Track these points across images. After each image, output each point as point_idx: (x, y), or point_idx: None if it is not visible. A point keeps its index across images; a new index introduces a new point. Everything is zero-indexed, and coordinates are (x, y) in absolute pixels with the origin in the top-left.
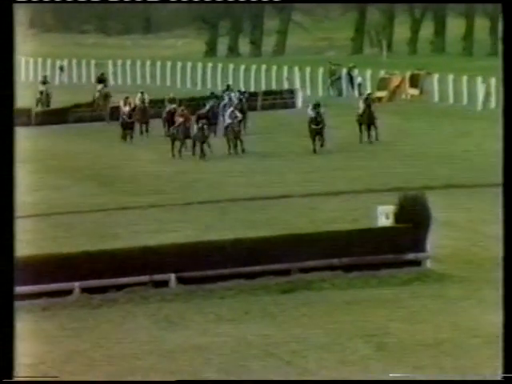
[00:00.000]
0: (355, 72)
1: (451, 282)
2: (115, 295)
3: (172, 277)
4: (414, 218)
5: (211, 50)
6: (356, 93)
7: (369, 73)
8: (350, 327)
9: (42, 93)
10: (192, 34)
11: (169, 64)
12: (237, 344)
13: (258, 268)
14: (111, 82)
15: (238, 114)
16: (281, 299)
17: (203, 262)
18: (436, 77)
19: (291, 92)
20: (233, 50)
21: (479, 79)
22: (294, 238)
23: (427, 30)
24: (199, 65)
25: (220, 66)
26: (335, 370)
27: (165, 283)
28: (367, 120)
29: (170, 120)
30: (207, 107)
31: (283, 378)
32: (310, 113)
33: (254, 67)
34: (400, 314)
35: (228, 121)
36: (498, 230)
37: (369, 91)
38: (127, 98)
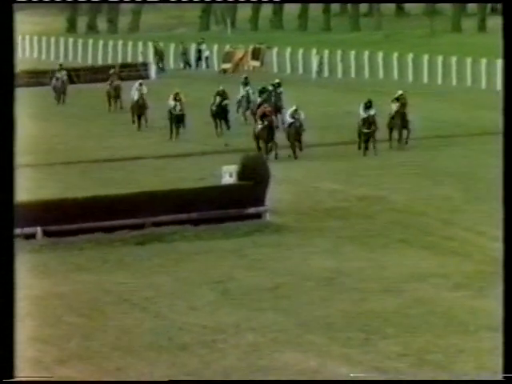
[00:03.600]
0: (203, 46)
1: (288, 232)
2: None
3: (38, 230)
4: (254, 176)
5: (72, 27)
6: (204, 65)
7: (215, 47)
8: (198, 275)
9: None
10: (58, 13)
11: (35, 38)
12: (95, 291)
13: (114, 222)
14: None
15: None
16: (135, 250)
17: (66, 216)
18: (275, 50)
19: (145, 65)
20: (92, 28)
21: (314, 51)
22: (147, 195)
23: (267, 9)
24: (61, 40)
25: (81, 41)
26: (185, 315)
27: (33, 236)
28: (401, 123)
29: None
30: (259, 101)
31: (138, 322)
32: (362, 113)
33: (111, 42)
34: (242, 262)
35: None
36: (329, 184)
37: (401, 92)
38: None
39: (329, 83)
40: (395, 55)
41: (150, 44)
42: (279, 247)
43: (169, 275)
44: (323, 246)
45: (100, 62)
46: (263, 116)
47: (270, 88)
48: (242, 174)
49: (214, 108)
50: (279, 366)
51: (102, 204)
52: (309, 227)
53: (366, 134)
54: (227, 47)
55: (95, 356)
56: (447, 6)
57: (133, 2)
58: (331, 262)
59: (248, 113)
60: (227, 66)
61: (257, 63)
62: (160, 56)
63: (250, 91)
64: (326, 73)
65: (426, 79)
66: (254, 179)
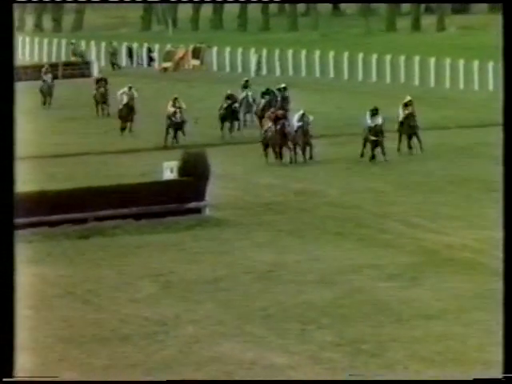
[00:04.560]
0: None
1: (227, 226)
2: None
3: None
4: (195, 172)
5: (21, 26)
6: (145, 64)
7: (157, 46)
8: (140, 268)
9: None
10: None
11: None
12: (41, 283)
13: (58, 217)
14: None
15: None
16: (79, 244)
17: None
18: (215, 49)
19: (87, 63)
20: (37, 26)
21: (252, 50)
22: (90, 191)
23: (207, 9)
24: None
25: (27, 39)
26: (127, 307)
27: None
28: (408, 130)
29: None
30: (263, 103)
31: (81, 314)
32: (369, 122)
33: (55, 41)
34: (183, 256)
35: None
36: (267, 178)
37: (409, 98)
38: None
39: (267, 81)
40: (331, 54)
41: (93, 43)
42: (219, 241)
43: (111, 268)
44: (262, 240)
45: (45, 59)
46: (276, 119)
47: (276, 91)
48: (182, 170)
49: (222, 111)
50: (219, 357)
51: (45, 199)
52: (248, 221)
53: (374, 141)
54: (168, 46)
55: (39, 347)
56: (383, 6)
57: (133, 2)
58: (269, 255)
59: (248, 116)
60: (168, 64)
61: (197, 62)
62: (114, 54)
63: (250, 93)
64: (264, 71)
65: (360, 77)
66: (195, 175)
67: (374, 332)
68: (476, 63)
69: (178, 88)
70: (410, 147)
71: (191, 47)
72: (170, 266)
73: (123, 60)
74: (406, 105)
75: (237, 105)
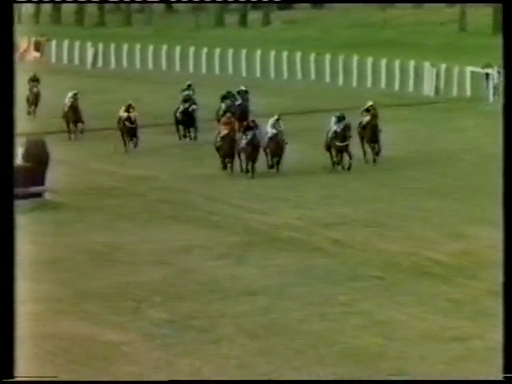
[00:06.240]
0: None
1: (65, 209)
2: None
3: None
4: (35, 158)
5: None
6: None
7: None
8: None
9: None
10: None
11: None
12: None
13: None
14: None
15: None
16: None
17: None
18: (54, 42)
19: None
20: None
21: (89, 44)
22: None
23: (46, 5)
24: None
25: None
26: None
27: None
28: (371, 135)
29: None
30: (223, 107)
31: None
32: (334, 127)
33: None
34: (23, 237)
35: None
36: (105, 165)
37: (371, 103)
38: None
39: (101, 73)
40: (164, 48)
41: None
42: (57, 224)
43: None
44: (98, 223)
45: None
46: (247, 129)
47: (236, 95)
48: (25, 156)
49: (178, 115)
50: (57, 334)
51: None
52: (85, 205)
53: (340, 147)
54: None
55: None
56: (213, 4)
57: (133, 2)
58: (105, 237)
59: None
60: None
61: (37, 54)
62: None
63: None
64: (100, 64)
65: (191, 69)
66: (35, 161)
67: (204, 309)
68: (298, 55)
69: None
70: (369, 154)
71: (33, 40)
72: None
73: None
74: (367, 110)
75: (195, 107)
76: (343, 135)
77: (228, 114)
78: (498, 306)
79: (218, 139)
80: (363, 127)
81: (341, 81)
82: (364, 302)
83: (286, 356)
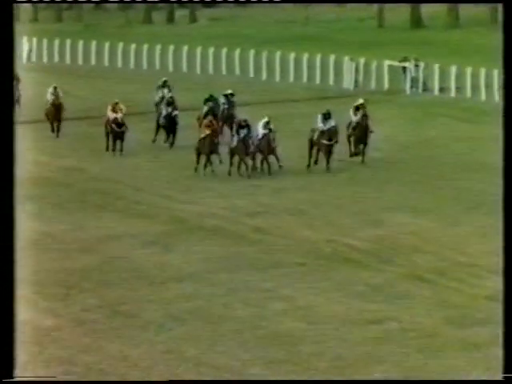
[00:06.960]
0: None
1: None
2: None
3: None
4: None
5: None
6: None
7: None
8: None
9: None
10: None
11: None
12: None
13: None
14: None
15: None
16: None
17: None
18: None
19: None
20: None
21: (25, 39)
22: None
23: None
24: None
25: None
26: None
27: None
28: (360, 136)
29: None
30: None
31: None
32: (321, 125)
33: None
34: None
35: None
36: (37, 156)
37: (362, 100)
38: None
39: (35, 67)
40: (94, 44)
41: None
42: None
43: None
44: (30, 211)
45: None
46: (240, 127)
47: (221, 98)
48: None
49: (161, 119)
50: None
51: None
52: (17, 194)
53: (328, 146)
54: None
55: None
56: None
57: (133, 2)
58: (37, 225)
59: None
60: None
61: None
62: None
63: (169, 95)
64: (33, 58)
65: (120, 64)
66: None
67: (131, 295)
68: (224, 51)
69: None
70: (357, 154)
71: None
72: None
73: None
74: (357, 108)
75: (177, 113)
76: (331, 134)
77: (209, 117)
78: (414, 289)
79: (199, 140)
80: (354, 128)
81: (264, 75)
82: (286, 288)
83: (212, 341)
